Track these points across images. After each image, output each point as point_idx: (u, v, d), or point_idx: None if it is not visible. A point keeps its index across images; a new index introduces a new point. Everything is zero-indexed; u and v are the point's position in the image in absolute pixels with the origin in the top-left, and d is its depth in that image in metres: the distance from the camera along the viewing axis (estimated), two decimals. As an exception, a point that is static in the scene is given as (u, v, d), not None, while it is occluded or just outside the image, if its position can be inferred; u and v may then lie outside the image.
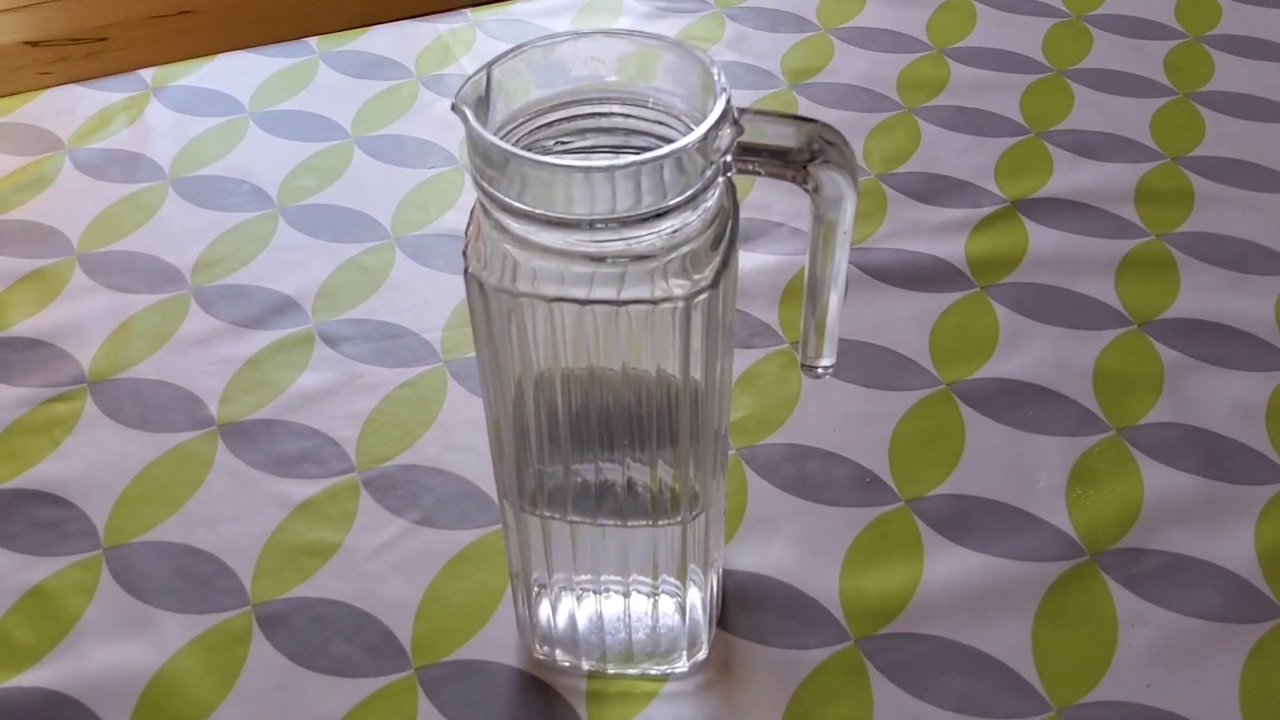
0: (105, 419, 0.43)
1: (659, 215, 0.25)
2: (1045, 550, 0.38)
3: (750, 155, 0.26)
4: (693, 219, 0.25)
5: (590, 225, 0.25)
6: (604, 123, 0.28)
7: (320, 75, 0.59)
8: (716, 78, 0.26)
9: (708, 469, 0.32)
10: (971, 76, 0.59)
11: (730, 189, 0.27)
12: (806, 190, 0.26)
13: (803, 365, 0.30)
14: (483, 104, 0.26)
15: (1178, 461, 0.41)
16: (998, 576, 0.38)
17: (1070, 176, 0.53)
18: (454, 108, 0.25)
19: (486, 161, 0.25)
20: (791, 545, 0.39)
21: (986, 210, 0.51)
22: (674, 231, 0.25)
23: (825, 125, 0.26)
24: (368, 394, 0.44)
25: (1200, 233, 0.50)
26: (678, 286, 0.26)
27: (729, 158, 0.26)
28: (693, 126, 0.28)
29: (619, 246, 0.25)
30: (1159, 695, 0.35)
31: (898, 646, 0.36)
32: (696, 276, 0.26)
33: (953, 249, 0.49)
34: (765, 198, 0.52)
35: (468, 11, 0.64)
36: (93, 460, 0.42)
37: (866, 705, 0.35)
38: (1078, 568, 0.38)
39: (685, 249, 0.26)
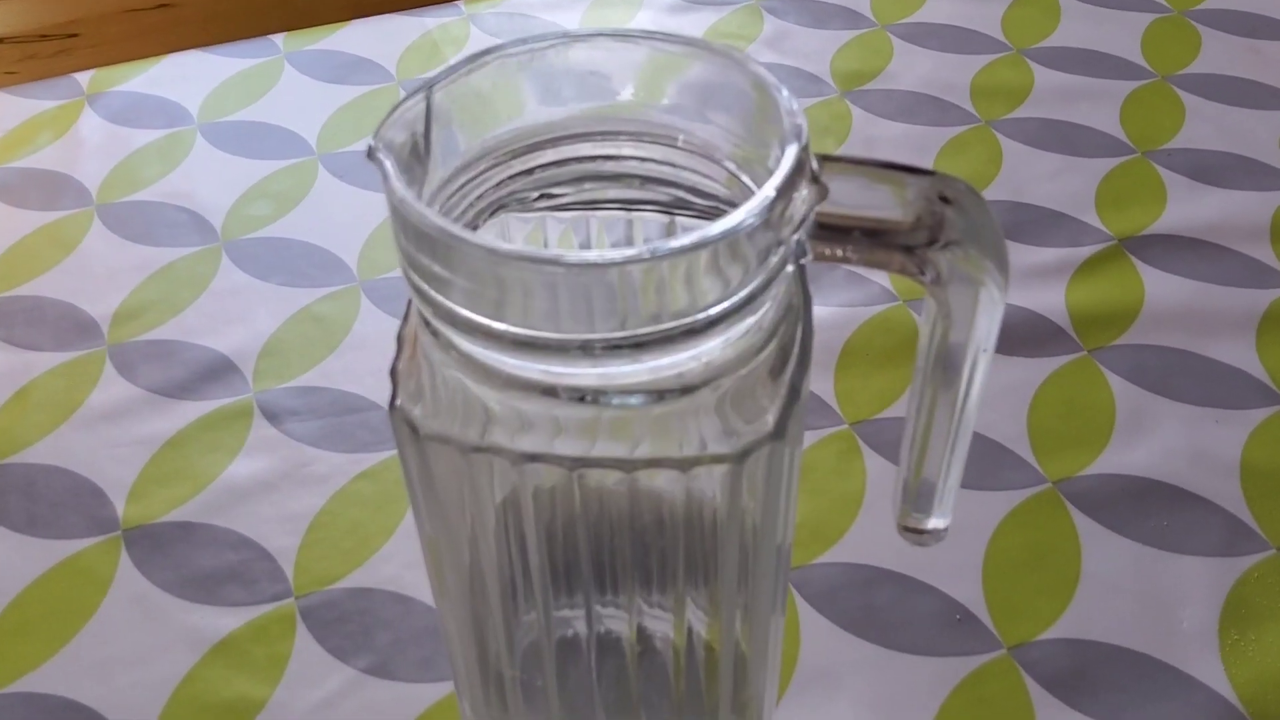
0: (-15, 518, 0.34)
1: (693, 332, 0.15)
2: (1199, 723, 0.29)
3: (834, 235, 0.16)
4: (745, 331, 0.16)
5: (586, 349, 0.15)
6: (610, 168, 0.19)
7: (284, 79, 0.50)
8: (784, 104, 0.16)
9: (763, 614, 0.22)
10: (1059, 82, 0.49)
11: (800, 278, 0.18)
12: (922, 283, 0.17)
13: (902, 527, 0.21)
14: (419, 149, 0.16)
15: (1362, 593, 0.31)
16: (1137, 762, 0.28)
17: (1189, 207, 0.43)
18: (370, 154, 0.16)
19: (421, 247, 0.15)
20: (860, 711, 0.29)
21: (1089, 250, 0.41)
22: (716, 354, 0.16)
23: (947, 178, 0.17)
24: (315, 488, 0.35)
25: (1359, 281, 0.40)
26: (722, 440, 0.16)
27: (803, 235, 0.16)
28: (740, 174, 0.18)
29: (632, 380, 0.16)
30: None
31: None
32: (749, 423, 0.16)
33: (1050, 300, 0.40)
34: (814, 233, 0.42)
35: (461, 3, 0.55)
36: (-38, 576, 0.33)
37: None
38: (1244, 749, 0.28)
39: (733, 379, 0.16)
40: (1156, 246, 0.42)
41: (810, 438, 0.36)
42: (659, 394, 0.16)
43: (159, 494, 0.35)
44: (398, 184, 0.15)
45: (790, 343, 0.17)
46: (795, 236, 0.16)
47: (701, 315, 0.15)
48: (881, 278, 0.41)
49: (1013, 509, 0.34)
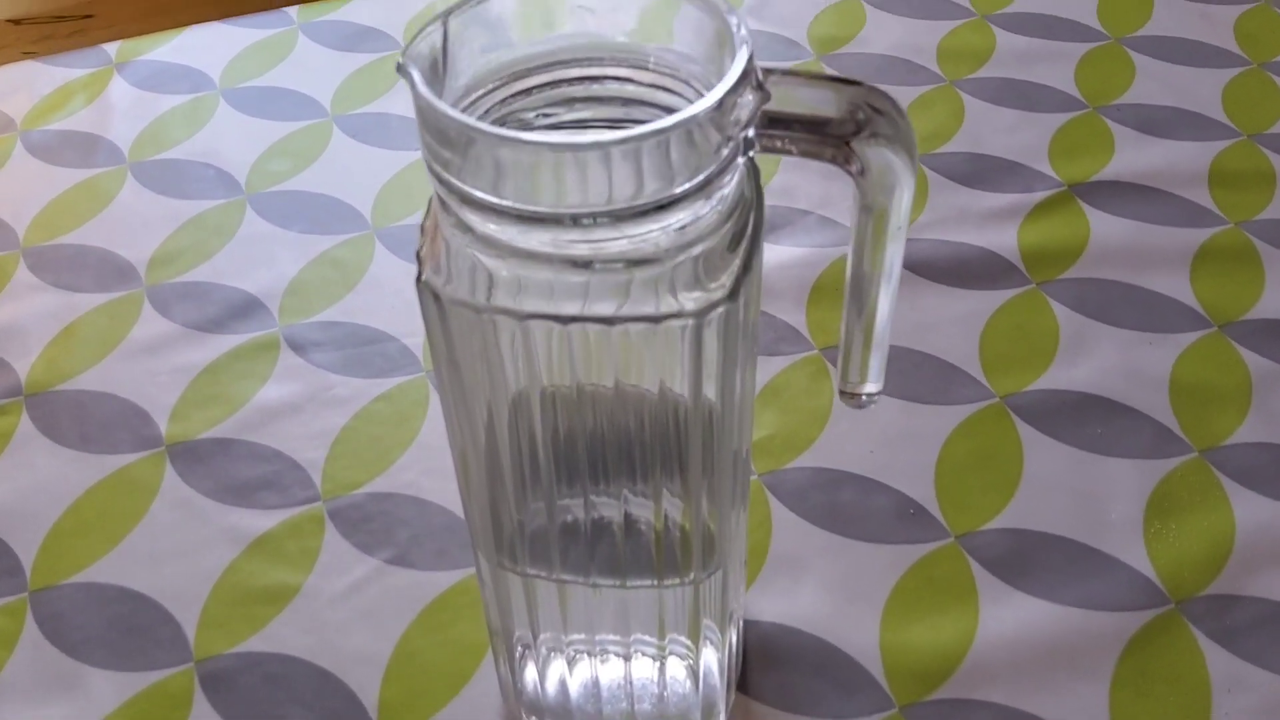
0: (41, 437, 0.38)
1: (663, 207, 0.19)
2: (1122, 597, 0.33)
3: (778, 128, 0.20)
4: (706, 211, 0.20)
5: (576, 221, 0.19)
6: (596, 90, 0.23)
7: (299, 48, 0.54)
8: (735, 30, 0.20)
9: (725, 503, 0.27)
10: (1020, 45, 0.53)
11: (753, 173, 0.22)
12: (850, 172, 0.21)
13: (841, 392, 0.25)
14: (438, 66, 0.20)
15: (1273, 489, 0.35)
16: (1067, 629, 0.32)
17: (1134, 156, 0.47)
18: (399, 68, 0.19)
19: (441, 140, 0.19)
20: (823, 590, 0.33)
21: (1041, 195, 0.45)
22: (682, 228, 0.20)
23: (873, 89, 0.20)
24: (338, 409, 0.38)
25: (1287, 220, 0.44)
26: (688, 299, 0.20)
27: (751, 131, 0.20)
28: (704, 92, 0.22)
29: (614, 248, 0.19)
30: (1264, 776, 0.29)
31: (950, 717, 0.30)
32: (711, 285, 0.20)
33: (1004, 240, 0.43)
34: (790, 181, 0.46)
35: (462, -22, 0.58)
36: (24, 486, 0.37)
37: (914, 785, 0.29)
38: (1161, 619, 0.32)
39: (697, 250, 0.20)
40: (1103, 191, 0.45)
41: (783, 362, 0.40)
42: (636, 261, 0.20)
43: (198, 415, 0.38)
44: (423, 88, 0.19)
45: (745, 226, 0.21)
46: (744, 133, 0.20)
47: (671, 192, 0.19)
48: (849, 222, 0.44)
49: (963, 420, 0.37)
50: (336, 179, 0.47)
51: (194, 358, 0.40)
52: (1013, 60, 0.52)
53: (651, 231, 0.19)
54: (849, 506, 0.35)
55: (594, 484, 0.26)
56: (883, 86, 0.51)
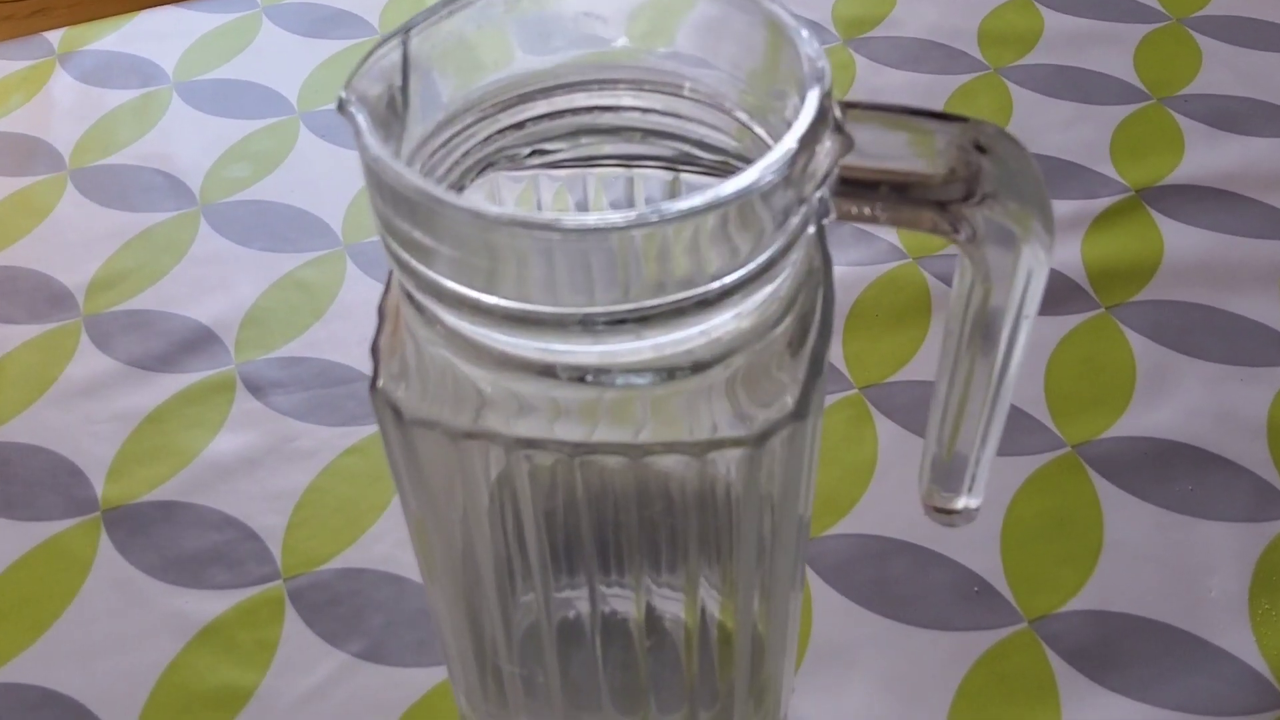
0: (-42, 500, 0.33)
1: (705, 303, 0.14)
2: (1228, 697, 0.28)
3: (858, 190, 0.15)
4: (760, 302, 0.14)
5: (586, 324, 0.14)
6: (608, 120, 0.17)
7: (262, 35, 0.48)
8: (804, 44, 0.15)
9: (781, 590, 0.21)
10: (1070, 27, 0.47)
11: (821, 241, 0.16)
12: (958, 241, 0.15)
13: (929, 506, 0.19)
14: (395, 102, 0.15)
15: (1395, 558, 0.30)
16: (1165, 737, 0.27)
17: (1207, 156, 0.41)
18: (340, 106, 0.14)
19: (399, 211, 0.14)
20: (876, 689, 0.28)
21: (1105, 202, 0.40)
22: (730, 328, 0.14)
23: (983, 125, 0.15)
24: (302, 465, 0.33)
25: (1387, 230, 0.38)
26: (738, 422, 0.15)
27: (825, 192, 0.15)
28: (751, 124, 0.16)
29: (636, 358, 0.14)
30: None
31: (1031, 847, 0.25)
32: (769, 403, 0.15)
33: (1066, 255, 0.38)
34: (819, 188, 0.41)
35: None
36: (-65, 561, 0.31)
37: None
38: (1275, 723, 0.27)
39: (748, 354, 0.15)
40: (1175, 197, 0.40)
41: (818, 403, 0.34)
42: (667, 372, 0.14)
43: (139, 472, 0.33)
44: (372, 141, 0.13)
45: (810, 312, 0.16)
46: (818, 194, 0.14)
47: (714, 285, 0.14)
48: (890, 234, 0.39)
49: (1031, 475, 0.32)
50: (303, 187, 0.42)
51: (137, 402, 0.35)
52: (1063, 44, 0.46)
53: (688, 336, 0.14)
54: (901, 583, 0.30)
55: (603, 572, 0.21)
56: (918, 76, 0.45)
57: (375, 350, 0.16)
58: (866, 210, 0.14)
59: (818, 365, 0.15)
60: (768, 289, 0.14)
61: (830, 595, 0.30)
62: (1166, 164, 0.41)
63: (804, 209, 0.14)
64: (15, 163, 0.43)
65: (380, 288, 0.38)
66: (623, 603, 0.22)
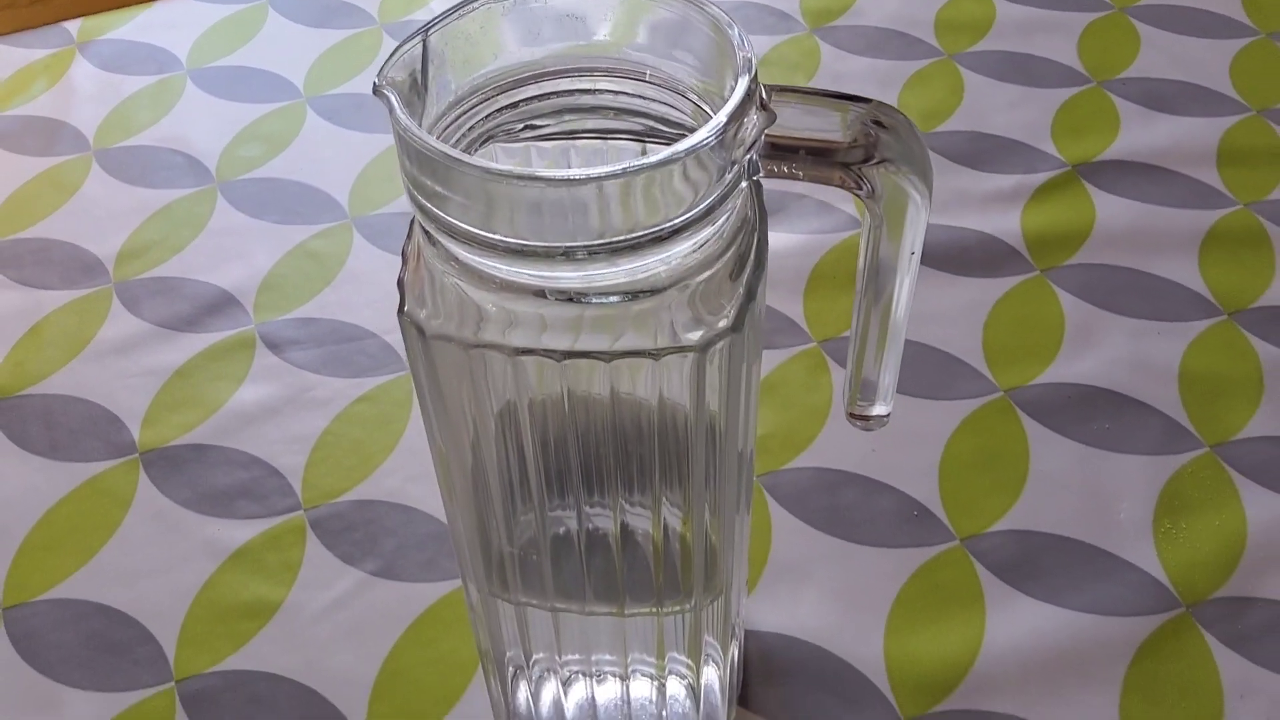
0: (9, 445, 0.36)
1: (661, 239, 0.18)
2: (1132, 601, 0.32)
3: (782, 153, 0.19)
4: (705, 239, 0.18)
5: (569, 255, 0.17)
6: (587, 100, 0.21)
7: (269, 24, 0.52)
8: (736, 41, 0.18)
9: (729, 511, 0.25)
10: (1020, 16, 0.51)
11: (756, 192, 0.20)
12: (859, 196, 0.19)
13: (850, 414, 0.23)
14: (417, 85, 0.18)
15: (1284, 485, 0.34)
16: (1076, 636, 0.31)
17: (1141, 134, 0.45)
18: (375, 90, 0.18)
19: (424, 170, 0.17)
20: (826, 599, 0.32)
21: (1044, 176, 0.44)
22: (680, 259, 0.18)
23: (882, 105, 0.19)
24: (318, 411, 0.37)
25: (1296, 200, 0.43)
26: (689, 332, 0.19)
27: (755, 155, 0.19)
28: (702, 104, 0.20)
29: (609, 282, 0.18)
30: (1277, 788, 0.29)
31: (957, 728, 0.30)
32: (712, 317, 0.19)
33: (1006, 224, 0.42)
34: (784, 164, 0.44)
35: (439, -54, 0.56)
36: (-8, 498, 0.35)
37: (920, 802, 0.28)
38: (1172, 623, 0.31)
39: (697, 280, 0.19)
40: (1109, 172, 0.44)
41: (781, 355, 0.38)
42: (633, 294, 0.18)
43: (171, 420, 0.37)
44: (402, 115, 0.17)
45: (747, 251, 0.20)
46: (748, 156, 0.18)
47: (668, 225, 0.18)
48: (848, 205, 0.43)
49: (967, 416, 0.36)
50: (312, 165, 0.45)
51: (166, 359, 0.39)
52: (1013, 31, 0.50)
53: (649, 264, 0.18)
54: (851, 509, 0.34)
55: (588, 494, 0.25)
56: (878, 61, 0.49)
57: (401, 284, 0.20)
58: (787, 169, 0.18)
59: (751, 292, 0.19)
60: (711, 229, 0.18)
61: (788, 519, 0.34)
62: (1103, 141, 0.45)
63: (736, 168, 0.18)
64: (42, 144, 0.47)
65: (384, 255, 0.42)
66: (603, 520, 0.26)
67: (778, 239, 0.42)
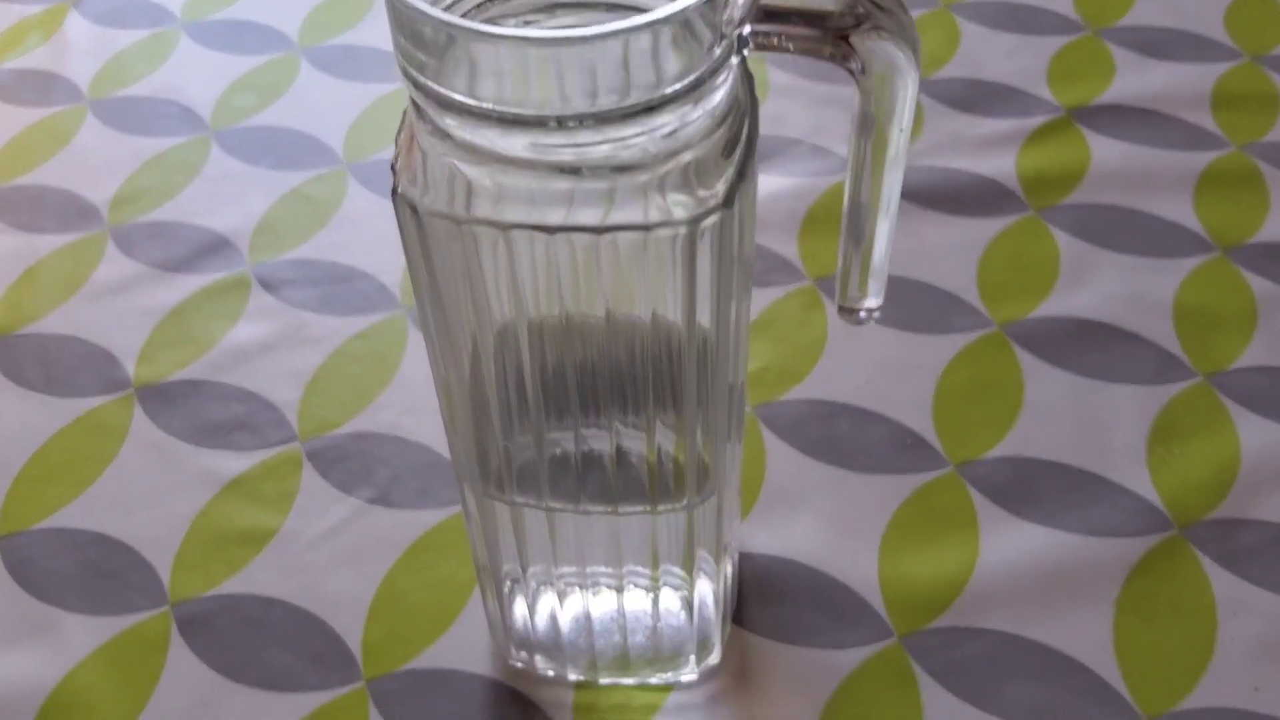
0: (5, 382, 0.36)
1: (651, 109, 0.18)
2: (1125, 523, 0.32)
3: (773, 23, 0.19)
4: (697, 115, 0.18)
5: (560, 123, 0.18)
6: (580, -8, 0.21)
7: (264, -22, 0.52)
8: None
9: (720, 434, 0.26)
10: (1014, -33, 0.51)
11: (747, 78, 0.20)
12: (849, 70, 0.19)
13: (841, 308, 0.24)
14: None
15: (1277, 412, 0.34)
16: (1069, 556, 0.31)
17: (1135, 80, 0.45)
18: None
19: (416, 41, 0.18)
20: (820, 522, 0.32)
21: (1039, 120, 0.44)
22: (672, 132, 0.18)
23: (875, -17, 0.19)
24: (313, 348, 0.37)
25: (1290, 141, 0.43)
26: (679, 206, 0.19)
27: (746, 29, 0.19)
28: None
29: (599, 153, 0.18)
30: (1270, 700, 0.29)
31: (952, 644, 0.30)
32: (703, 193, 0.19)
33: (1002, 166, 0.42)
34: (781, 109, 0.44)
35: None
36: (-13, 432, 0.35)
37: (915, 716, 0.29)
38: (1165, 544, 0.32)
39: (687, 156, 0.19)
40: (1104, 116, 0.44)
41: (776, 293, 0.38)
42: (623, 167, 0.18)
43: (166, 356, 0.37)
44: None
45: (738, 133, 0.20)
46: (739, 30, 0.18)
47: (658, 94, 0.18)
48: (841, 150, 0.43)
49: (961, 349, 0.36)
50: (306, 114, 0.45)
51: (161, 298, 0.39)
52: (1007, -18, 0.50)
53: (638, 135, 0.18)
54: (845, 438, 0.34)
55: (584, 416, 0.25)
56: (873, 10, 0.49)
57: (394, 168, 0.20)
58: (778, 40, 0.18)
59: (743, 172, 0.19)
60: (703, 103, 0.18)
61: (782, 448, 0.34)
62: (1098, 88, 0.45)
63: (726, 40, 0.18)
64: (36, 95, 0.47)
65: (380, 201, 0.42)
66: (599, 442, 0.26)
67: (773, 182, 0.42)
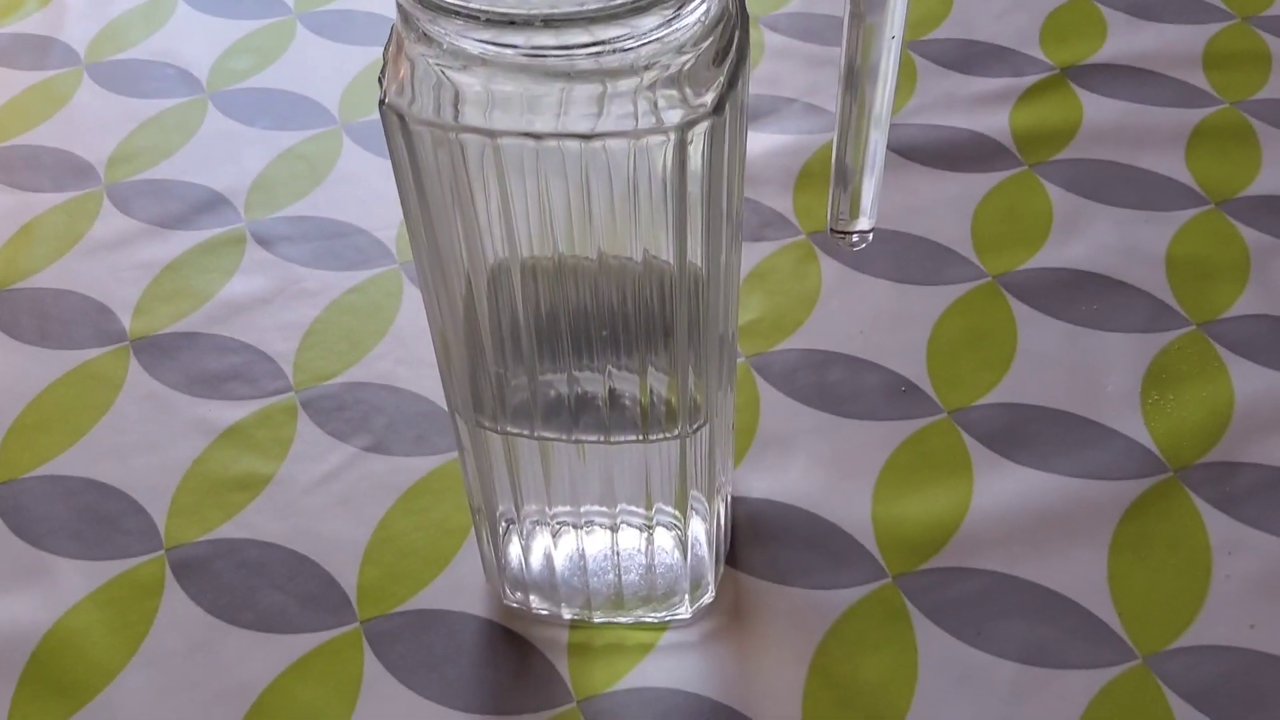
0: (0, 336, 0.37)
1: (639, 9, 0.18)
2: (1120, 466, 0.32)
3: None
4: (685, 20, 0.19)
5: (548, 23, 0.18)
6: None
7: (260, -54, 0.52)
8: None
9: (712, 378, 0.26)
10: (1008, -68, 0.51)
11: (741, 2, 0.20)
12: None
13: (832, 231, 0.24)
14: None
15: (1271, 359, 0.34)
16: (1063, 499, 0.31)
17: (1127, 40, 0.45)
18: None
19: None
20: (814, 466, 0.32)
21: (1032, 78, 0.44)
22: (661, 36, 0.18)
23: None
24: (308, 301, 0.37)
25: (1283, 98, 0.43)
26: (670, 112, 0.19)
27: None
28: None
29: (588, 55, 0.18)
30: (1266, 637, 0.29)
31: (945, 584, 0.30)
32: (694, 100, 0.19)
33: (995, 123, 0.42)
34: (775, 70, 0.45)
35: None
36: (-17, 383, 0.35)
37: (909, 655, 0.29)
38: (1160, 486, 0.32)
39: (677, 63, 0.19)
40: (1096, 75, 0.44)
41: (770, 247, 0.38)
42: (613, 71, 0.18)
43: (162, 309, 0.37)
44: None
45: (729, 44, 0.20)
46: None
47: (646, -5, 0.18)
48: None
49: (955, 299, 0.36)
50: (301, 76, 0.45)
51: (157, 253, 0.39)
52: (1001, -54, 0.50)
53: (628, 37, 0.18)
54: (838, 386, 0.34)
55: (577, 359, 0.25)
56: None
57: (381, 80, 0.20)
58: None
59: (733, 81, 0.19)
60: (691, 7, 0.18)
61: (776, 396, 0.34)
62: (1090, 47, 0.45)
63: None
64: (33, 59, 0.47)
65: (375, 160, 0.42)
66: (592, 384, 0.26)
67: (768, 140, 0.42)
